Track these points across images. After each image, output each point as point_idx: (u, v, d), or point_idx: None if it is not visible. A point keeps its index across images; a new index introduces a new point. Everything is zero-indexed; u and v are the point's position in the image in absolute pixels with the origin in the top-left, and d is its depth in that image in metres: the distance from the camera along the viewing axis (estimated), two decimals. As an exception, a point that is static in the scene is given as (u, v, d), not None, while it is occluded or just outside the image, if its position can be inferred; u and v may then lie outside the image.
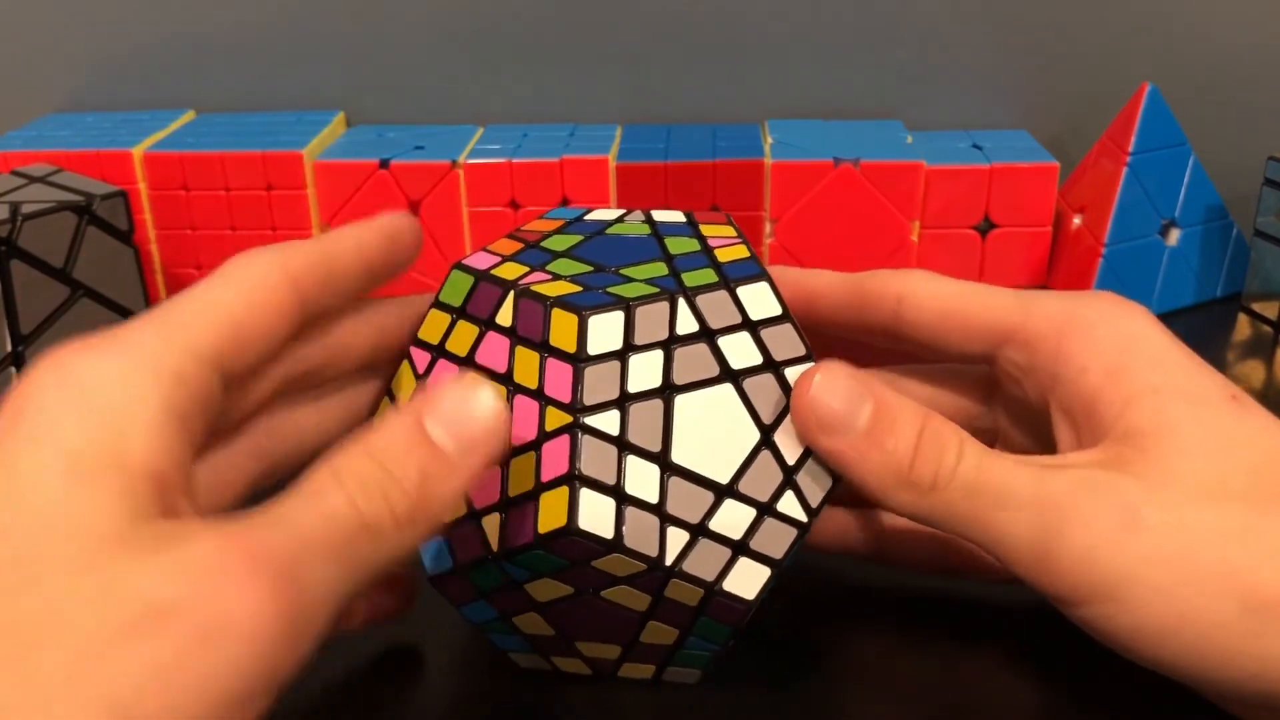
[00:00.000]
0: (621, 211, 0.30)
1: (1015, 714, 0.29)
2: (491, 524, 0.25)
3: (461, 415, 0.23)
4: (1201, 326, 0.50)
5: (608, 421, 0.24)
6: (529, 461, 0.25)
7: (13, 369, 0.44)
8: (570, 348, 0.24)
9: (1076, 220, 0.50)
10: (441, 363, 0.27)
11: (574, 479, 0.24)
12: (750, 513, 0.26)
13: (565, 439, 0.24)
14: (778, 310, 0.27)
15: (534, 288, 0.26)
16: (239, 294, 0.24)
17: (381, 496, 0.22)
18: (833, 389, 0.25)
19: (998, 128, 0.56)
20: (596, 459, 0.24)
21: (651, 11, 0.56)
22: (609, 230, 0.29)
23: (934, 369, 0.32)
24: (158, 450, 0.21)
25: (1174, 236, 0.50)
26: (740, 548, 0.25)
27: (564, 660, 0.29)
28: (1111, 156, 0.49)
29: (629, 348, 0.25)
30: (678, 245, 0.28)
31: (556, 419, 0.24)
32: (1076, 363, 0.27)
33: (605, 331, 0.25)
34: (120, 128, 0.54)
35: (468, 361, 0.26)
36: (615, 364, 0.25)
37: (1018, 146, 0.52)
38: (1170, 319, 0.50)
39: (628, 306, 0.25)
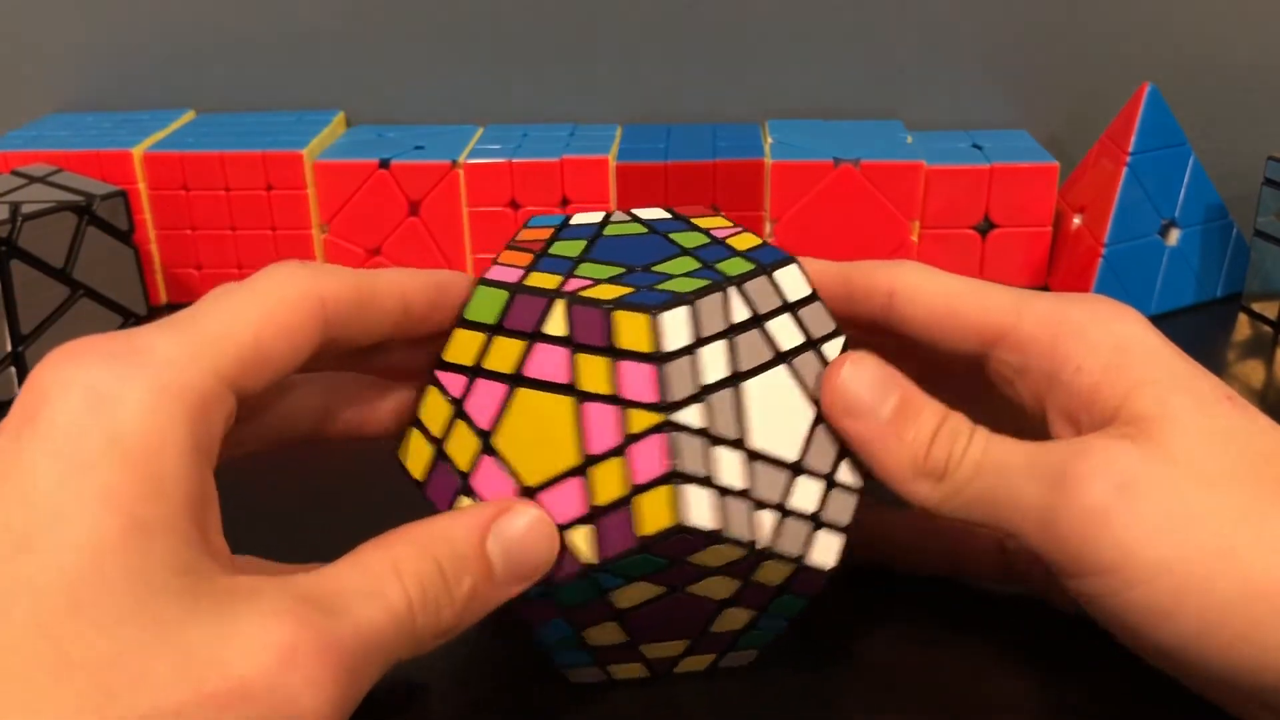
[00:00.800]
0: (603, 214, 0.30)
1: (1018, 711, 0.29)
2: (581, 537, 0.25)
3: (524, 545, 0.24)
4: (1201, 326, 0.50)
5: (693, 416, 0.25)
6: (615, 467, 0.24)
7: (13, 369, 0.44)
8: (645, 348, 0.25)
9: (1076, 220, 0.50)
10: (481, 383, 0.26)
11: (674, 476, 0.24)
12: (819, 485, 0.26)
13: (656, 439, 0.24)
14: (808, 290, 0.27)
15: (583, 294, 0.25)
16: (265, 312, 0.24)
17: (435, 608, 0.23)
18: (861, 377, 0.27)
19: (998, 128, 0.56)
20: (691, 454, 0.24)
21: (652, 11, 0.56)
22: (606, 233, 0.29)
23: (924, 364, 0.32)
24: (192, 490, 0.21)
25: (1174, 236, 0.50)
26: (816, 520, 0.26)
27: (622, 667, 0.29)
28: (1111, 156, 0.49)
29: (698, 341, 0.25)
30: (687, 239, 0.28)
31: (643, 420, 0.24)
32: (1071, 363, 0.28)
33: (677, 328, 0.25)
34: (120, 128, 0.54)
35: (515, 378, 0.26)
36: (689, 359, 0.25)
37: (1018, 146, 0.52)
38: (1170, 319, 0.50)
39: (691, 301, 0.25)
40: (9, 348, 0.44)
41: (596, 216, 0.30)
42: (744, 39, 0.56)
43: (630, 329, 0.25)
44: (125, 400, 0.21)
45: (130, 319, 0.47)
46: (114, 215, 0.46)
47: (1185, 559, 0.24)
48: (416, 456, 0.27)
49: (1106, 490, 0.25)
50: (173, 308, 0.53)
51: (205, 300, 0.24)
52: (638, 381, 0.24)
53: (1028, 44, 0.56)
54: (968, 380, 0.32)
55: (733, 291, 0.26)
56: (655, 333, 0.24)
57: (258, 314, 0.24)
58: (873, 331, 0.30)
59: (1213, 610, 0.24)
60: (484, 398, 0.26)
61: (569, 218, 0.30)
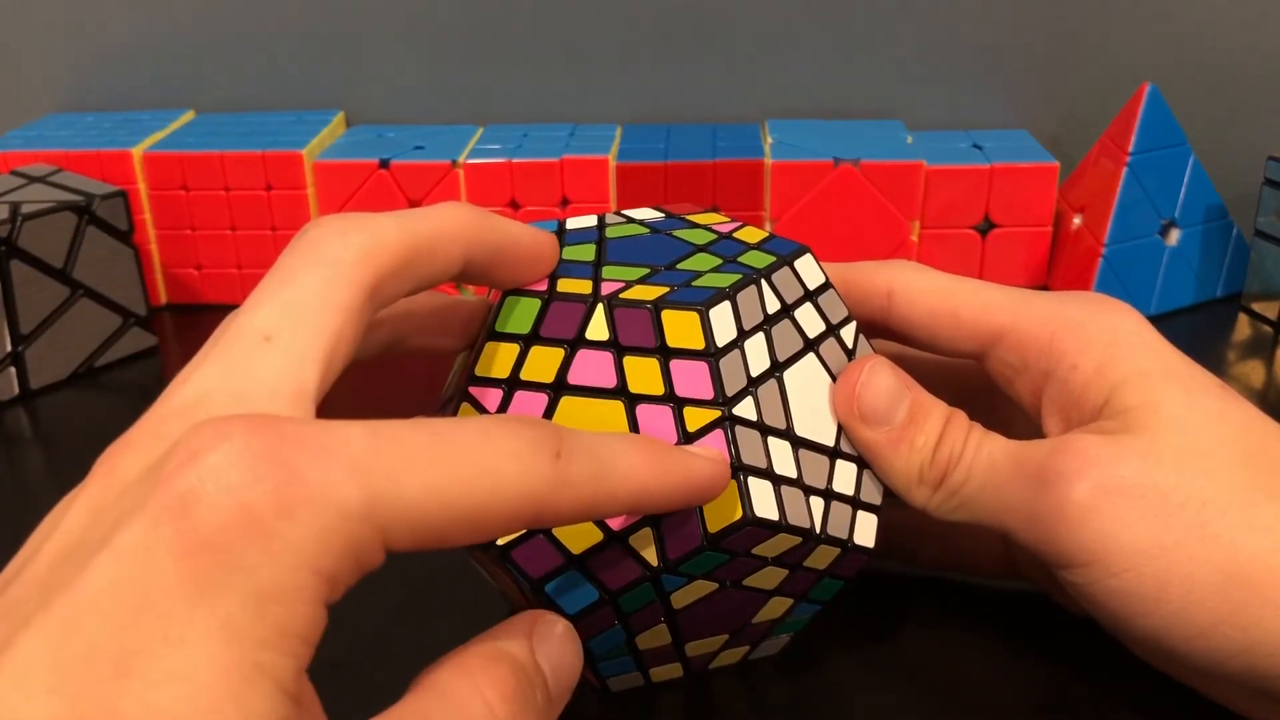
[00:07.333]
0: (595, 217, 0.30)
1: (1020, 707, 0.29)
2: (643, 541, 0.24)
3: (564, 653, 0.22)
4: (1201, 326, 0.50)
5: (748, 409, 0.25)
6: None
7: (13, 369, 0.44)
8: (697, 345, 0.25)
9: (1076, 220, 0.50)
10: (520, 395, 0.25)
11: (738, 470, 0.24)
12: (853, 468, 0.27)
13: (717, 434, 0.24)
14: (823, 278, 0.28)
15: (622, 296, 0.25)
16: (330, 337, 0.21)
17: None
18: (878, 384, 0.27)
19: (998, 128, 0.56)
20: (750, 447, 0.25)
21: (651, 11, 0.56)
22: (608, 235, 0.29)
23: (922, 363, 0.32)
24: (310, 638, 0.18)
25: (1174, 236, 0.50)
26: (855, 502, 0.27)
27: (662, 669, 0.29)
28: (1111, 156, 0.49)
29: (741, 334, 0.25)
30: (694, 236, 0.28)
31: (701, 417, 0.24)
32: (1067, 360, 0.28)
33: (724, 322, 0.25)
34: (120, 128, 0.54)
35: (558, 386, 0.25)
36: (737, 352, 0.25)
37: (1018, 146, 0.52)
38: (1170, 319, 0.50)
39: (732, 295, 0.25)
40: (9, 348, 0.44)
41: (590, 220, 0.29)
42: (744, 39, 0.56)
43: (680, 327, 0.25)
44: (285, 537, 0.17)
45: (130, 319, 0.47)
46: (114, 215, 0.46)
47: (1166, 545, 0.25)
48: None
49: (1085, 484, 0.25)
50: (173, 308, 0.53)
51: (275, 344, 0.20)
52: (692, 379, 0.25)
53: (1028, 44, 0.56)
54: (967, 380, 0.32)
55: (764, 284, 0.26)
56: (706, 328, 0.25)
57: (325, 342, 0.21)
58: (871, 332, 0.30)
59: (1194, 594, 0.24)
60: (524, 410, 0.25)
61: (563, 222, 0.29)
